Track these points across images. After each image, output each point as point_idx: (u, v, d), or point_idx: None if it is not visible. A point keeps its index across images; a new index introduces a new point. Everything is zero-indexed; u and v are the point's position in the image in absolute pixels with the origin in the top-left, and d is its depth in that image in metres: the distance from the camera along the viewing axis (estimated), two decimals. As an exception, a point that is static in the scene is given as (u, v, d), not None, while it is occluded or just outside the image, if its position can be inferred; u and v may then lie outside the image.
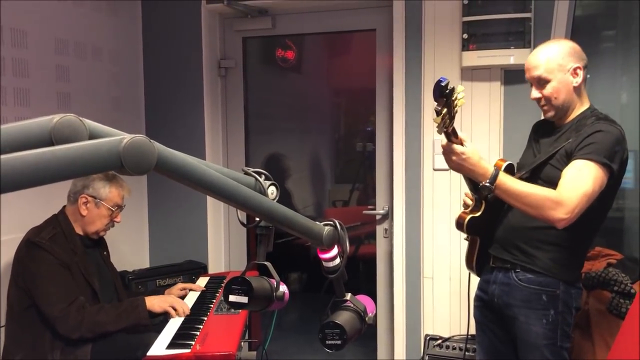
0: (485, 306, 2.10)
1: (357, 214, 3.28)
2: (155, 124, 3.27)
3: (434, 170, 2.83)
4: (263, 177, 1.10)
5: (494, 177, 1.77)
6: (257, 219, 1.09)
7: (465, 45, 2.66)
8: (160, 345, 2.04)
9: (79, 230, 2.34)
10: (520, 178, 1.93)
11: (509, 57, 2.61)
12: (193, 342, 2.03)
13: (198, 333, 2.12)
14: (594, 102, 1.99)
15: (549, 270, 1.91)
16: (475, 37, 2.64)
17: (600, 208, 1.87)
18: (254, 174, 1.10)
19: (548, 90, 1.89)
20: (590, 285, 2.42)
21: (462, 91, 1.64)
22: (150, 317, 2.28)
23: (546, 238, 1.89)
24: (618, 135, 1.82)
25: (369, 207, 3.17)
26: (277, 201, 1.09)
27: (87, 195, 2.32)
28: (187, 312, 2.32)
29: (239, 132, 3.37)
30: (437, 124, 1.68)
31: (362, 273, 3.50)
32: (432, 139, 2.81)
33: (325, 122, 3.81)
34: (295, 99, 3.77)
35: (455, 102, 1.64)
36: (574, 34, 2.64)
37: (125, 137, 0.76)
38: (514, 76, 2.69)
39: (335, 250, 1.16)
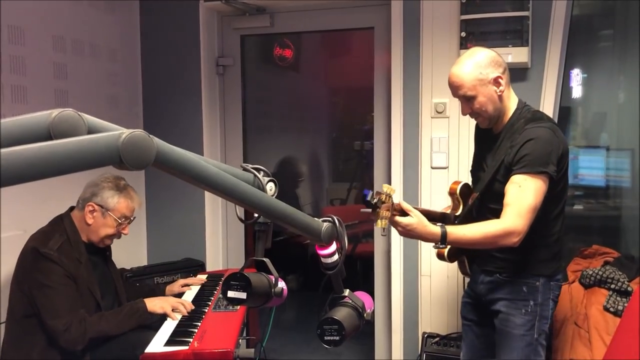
0: (472, 304, 2.18)
1: (355, 212, 3.28)
2: (153, 122, 3.27)
3: (432, 168, 2.83)
4: (262, 173, 1.10)
5: (444, 239, 1.83)
6: (256, 215, 1.09)
7: (464, 44, 2.66)
8: (158, 342, 2.04)
9: (84, 238, 2.30)
10: (476, 197, 2.02)
11: (507, 55, 2.60)
12: (191, 339, 2.03)
13: (196, 330, 2.12)
14: (592, 101, 2.00)
15: (527, 269, 1.98)
16: (474, 35, 2.64)
17: (553, 203, 1.93)
18: (252, 170, 1.10)
19: (475, 105, 1.94)
20: (587, 284, 2.42)
21: (387, 188, 1.76)
22: (151, 318, 2.28)
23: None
24: (548, 137, 1.86)
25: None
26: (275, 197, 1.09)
27: (95, 203, 2.26)
28: (191, 307, 2.33)
29: (237, 130, 3.37)
30: (381, 227, 1.81)
31: (359, 271, 3.50)
32: (430, 137, 2.82)
33: (323, 120, 3.82)
34: (293, 98, 3.77)
35: (388, 200, 1.76)
36: (572, 34, 2.65)
37: (124, 132, 0.76)
38: (511, 74, 2.66)
39: (333, 247, 1.17)
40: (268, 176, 1.11)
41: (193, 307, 2.33)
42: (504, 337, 2.01)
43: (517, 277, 1.99)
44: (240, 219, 1.15)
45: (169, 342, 2.03)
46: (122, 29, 3.19)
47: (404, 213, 1.84)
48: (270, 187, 1.10)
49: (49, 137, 0.76)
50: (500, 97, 1.95)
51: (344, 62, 3.65)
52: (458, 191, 2.06)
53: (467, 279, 2.28)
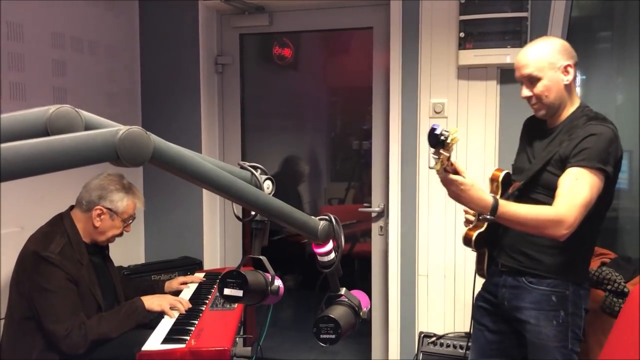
0: (492, 308, 2.07)
1: (353, 211, 3.28)
2: (152, 120, 3.27)
3: (430, 168, 2.82)
4: (259, 171, 1.10)
5: (494, 210, 1.74)
6: (253, 213, 1.10)
7: (462, 44, 2.67)
8: (155, 340, 2.04)
9: (86, 238, 2.27)
10: (519, 186, 1.92)
11: (506, 56, 2.62)
12: (188, 337, 2.03)
13: (193, 328, 2.13)
14: (590, 103, 1.99)
15: (556, 273, 1.90)
16: (472, 36, 2.65)
17: (600, 208, 1.85)
18: (249, 168, 1.10)
19: (539, 88, 1.87)
20: (584, 284, 2.43)
21: (455, 132, 1.64)
22: (149, 316, 2.27)
23: (550, 242, 1.87)
24: (611, 136, 1.81)
25: (365, 204, 3.18)
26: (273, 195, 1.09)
27: (104, 207, 2.24)
28: (188, 305, 2.32)
29: (236, 129, 3.37)
30: (436, 170, 1.69)
31: (357, 271, 3.50)
32: (428, 137, 2.82)
33: (322, 119, 3.81)
34: (292, 97, 3.77)
35: (452, 144, 1.64)
36: (570, 35, 2.65)
37: (121, 129, 0.76)
38: (510, 75, 2.67)
39: (330, 245, 1.17)
40: (265, 174, 1.11)
41: (190, 306, 2.33)
42: (539, 350, 1.92)
43: (544, 285, 1.90)
44: (238, 217, 1.15)
45: (166, 340, 2.03)
46: (122, 26, 3.19)
47: (455, 174, 1.75)
48: (268, 185, 1.10)
49: (46, 133, 0.76)
50: (565, 87, 1.88)
51: (343, 61, 3.65)
52: (500, 178, 1.97)
53: (474, 282, 2.19)
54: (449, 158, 1.68)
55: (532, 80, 1.88)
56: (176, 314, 2.27)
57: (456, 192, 1.76)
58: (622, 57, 3.03)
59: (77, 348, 2.11)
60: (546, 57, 1.86)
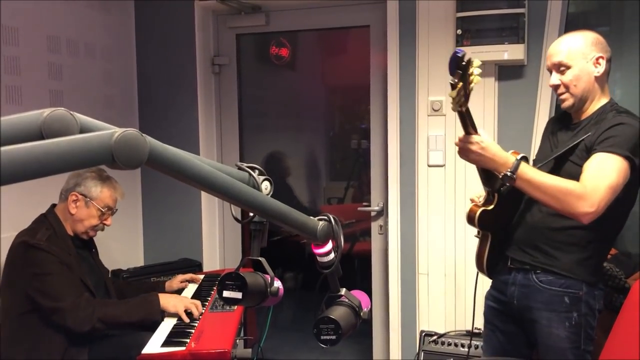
0: (500, 307, 2.01)
1: (352, 211, 3.28)
2: (149, 122, 3.26)
3: (429, 166, 2.83)
4: (257, 172, 1.10)
5: (516, 166, 1.70)
6: (251, 214, 1.09)
7: (460, 41, 2.66)
8: (155, 343, 2.03)
9: (69, 231, 2.30)
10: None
11: (503, 52, 2.61)
12: (188, 340, 2.02)
13: (193, 331, 2.12)
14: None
15: (570, 271, 1.83)
16: (469, 32, 2.64)
17: (623, 206, 1.80)
18: (247, 169, 1.09)
19: (568, 77, 1.83)
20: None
21: (478, 66, 1.58)
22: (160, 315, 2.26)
23: (568, 239, 1.83)
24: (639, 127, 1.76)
25: (364, 203, 3.17)
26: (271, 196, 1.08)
27: (78, 193, 2.28)
28: (201, 310, 2.30)
29: (233, 130, 3.36)
30: (452, 100, 1.62)
31: (357, 270, 3.50)
32: (427, 135, 2.81)
33: (320, 119, 3.80)
34: (289, 96, 3.76)
35: (471, 78, 1.58)
36: (567, 31, 2.65)
37: (117, 131, 0.76)
38: (508, 72, 2.69)
39: (329, 245, 1.16)
40: (263, 175, 1.10)
41: (203, 311, 2.30)
42: (550, 351, 1.87)
43: (557, 285, 1.84)
44: (236, 219, 1.14)
45: (166, 343, 2.03)
46: (117, 28, 3.18)
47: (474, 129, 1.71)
48: (266, 186, 1.09)
49: (41, 137, 0.75)
50: (595, 79, 1.83)
51: (340, 60, 3.64)
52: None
53: (476, 280, 2.10)
54: (465, 94, 1.60)
55: (561, 69, 1.84)
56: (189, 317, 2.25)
57: (477, 151, 1.73)
58: (620, 52, 3.02)
59: (83, 324, 2.10)
60: (578, 47, 1.83)
